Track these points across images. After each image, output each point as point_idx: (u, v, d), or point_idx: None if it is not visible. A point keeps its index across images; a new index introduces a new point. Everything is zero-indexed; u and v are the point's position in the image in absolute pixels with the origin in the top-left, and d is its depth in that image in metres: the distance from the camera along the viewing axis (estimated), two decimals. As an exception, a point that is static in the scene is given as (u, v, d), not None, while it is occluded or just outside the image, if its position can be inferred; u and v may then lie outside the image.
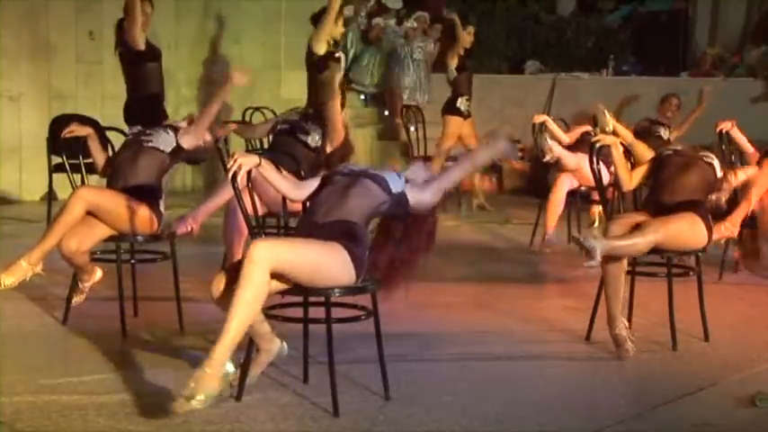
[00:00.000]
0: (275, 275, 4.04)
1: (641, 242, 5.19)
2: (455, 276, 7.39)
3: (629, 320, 5.55)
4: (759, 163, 6.96)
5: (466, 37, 10.94)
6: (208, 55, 11.88)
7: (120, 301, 5.48)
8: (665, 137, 9.39)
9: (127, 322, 5.50)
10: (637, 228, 5.27)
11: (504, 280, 7.31)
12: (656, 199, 5.56)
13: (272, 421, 4.19)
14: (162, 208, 5.63)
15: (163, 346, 5.27)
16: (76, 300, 5.66)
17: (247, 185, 4.50)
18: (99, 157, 5.79)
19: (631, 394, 4.78)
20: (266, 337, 4.34)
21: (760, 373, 5.15)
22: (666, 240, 5.26)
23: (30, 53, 10.29)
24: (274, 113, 8.78)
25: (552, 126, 8.78)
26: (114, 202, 5.42)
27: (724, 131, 7.38)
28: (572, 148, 8.63)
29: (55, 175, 7.94)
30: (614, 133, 6.39)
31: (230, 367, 4.00)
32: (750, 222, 6.95)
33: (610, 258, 5.23)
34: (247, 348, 4.35)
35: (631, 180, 5.68)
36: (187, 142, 5.73)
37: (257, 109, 9.32)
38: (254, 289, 3.93)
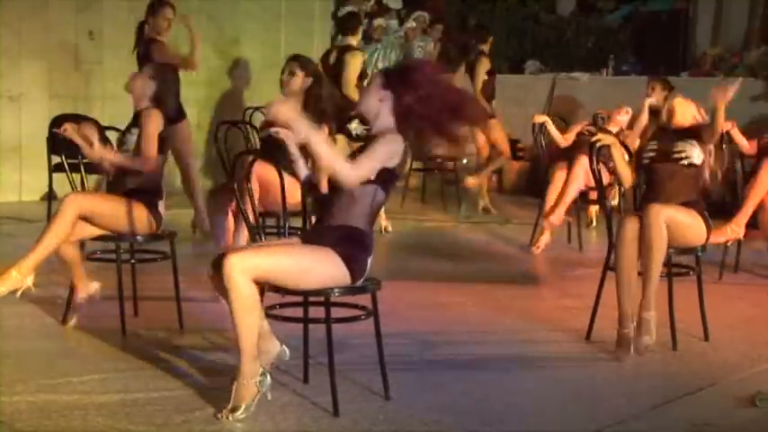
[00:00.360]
0: (261, 282, 4.10)
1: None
2: (455, 276, 7.38)
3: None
4: (758, 157, 7.04)
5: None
6: (207, 55, 11.83)
7: (120, 300, 5.48)
8: None
9: (127, 322, 5.50)
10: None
11: (504, 280, 7.30)
12: (653, 203, 5.54)
13: (272, 421, 4.19)
14: (161, 209, 5.62)
15: (163, 346, 5.27)
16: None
17: (247, 186, 4.47)
18: (95, 155, 5.61)
19: (631, 394, 4.77)
20: (264, 336, 4.33)
21: (760, 373, 5.15)
22: (670, 224, 5.25)
23: (30, 53, 10.27)
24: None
25: (551, 128, 8.77)
26: (106, 206, 5.41)
27: (724, 131, 7.38)
28: (571, 148, 8.61)
29: (55, 175, 7.92)
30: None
31: (267, 378, 4.18)
32: (753, 222, 6.98)
33: (623, 257, 5.25)
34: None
35: (632, 175, 5.67)
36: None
37: (257, 109, 9.30)
38: (242, 299, 4.04)
